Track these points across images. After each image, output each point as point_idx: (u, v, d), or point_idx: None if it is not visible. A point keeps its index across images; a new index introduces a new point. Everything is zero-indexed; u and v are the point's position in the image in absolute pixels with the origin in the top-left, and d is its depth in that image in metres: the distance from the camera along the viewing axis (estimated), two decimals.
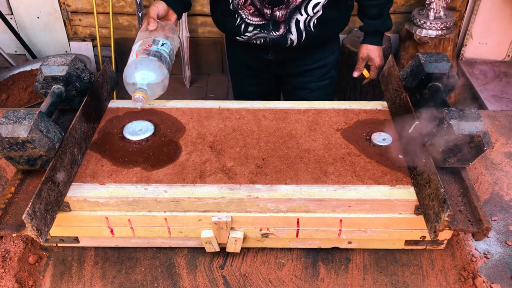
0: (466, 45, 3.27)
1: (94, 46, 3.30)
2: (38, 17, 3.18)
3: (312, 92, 1.66)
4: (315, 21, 1.43)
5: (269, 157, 1.04)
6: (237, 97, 1.86)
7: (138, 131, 1.10)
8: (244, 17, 1.45)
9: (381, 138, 1.08)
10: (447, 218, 0.81)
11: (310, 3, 1.39)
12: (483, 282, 0.97)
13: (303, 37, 1.45)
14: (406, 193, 0.95)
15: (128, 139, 1.08)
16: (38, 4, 3.12)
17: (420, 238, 1.01)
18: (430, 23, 2.78)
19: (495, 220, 1.12)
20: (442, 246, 1.05)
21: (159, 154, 1.05)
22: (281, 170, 1.00)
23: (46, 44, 3.31)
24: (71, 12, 3.19)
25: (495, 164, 1.28)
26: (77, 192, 0.95)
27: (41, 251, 1.05)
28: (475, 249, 1.05)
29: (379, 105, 1.22)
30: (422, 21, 2.79)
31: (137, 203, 0.95)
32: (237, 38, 1.50)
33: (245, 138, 1.10)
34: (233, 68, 1.77)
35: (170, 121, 1.15)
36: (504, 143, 1.35)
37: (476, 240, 1.02)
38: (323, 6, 1.41)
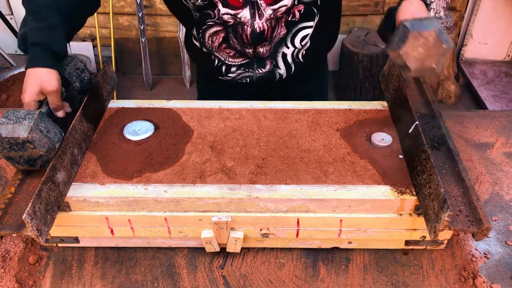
0: (466, 45, 3.27)
1: (94, 46, 3.30)
2: None
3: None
4: (304, 52, 1.29)
5: (269, 157, 1.04)
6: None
7: (138, 131, 1.10)
8: (224, 59, 1.29)
9: (381, 138, 1.08)
10: (447, 218, 0.81)
11: (298, 35, 1.25)
12: (483, 282, 0.97)
13: (293, 69, 1.31)
14: (406, 193, 0.95)
15: (128, 139, 1.09)
16: None
17: (420, 238, 1.01)
18: None
19: (495, 220, 1.12)
20: (442, 246, 1.05)
21: (159, 154, 1.05)
22: (281, 170, 1.00)
23: None
24: None
25: (495, 164, 1.28)
26: (77, 192, 0.95)
27: (41, 251, 1.05)
28: (475, 249, 1.05)
29: (379, 105, 1.22)
30: None
31: (137, 203, 0.95)
32: (220, 77, 1.34)
33: (245, 138, 1.10)
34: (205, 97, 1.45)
35: (170, 121, 1.15)
36: (504, 143, 1.35)
37: (476, 240, 1.02)
38: (311, 36, 1.27)
